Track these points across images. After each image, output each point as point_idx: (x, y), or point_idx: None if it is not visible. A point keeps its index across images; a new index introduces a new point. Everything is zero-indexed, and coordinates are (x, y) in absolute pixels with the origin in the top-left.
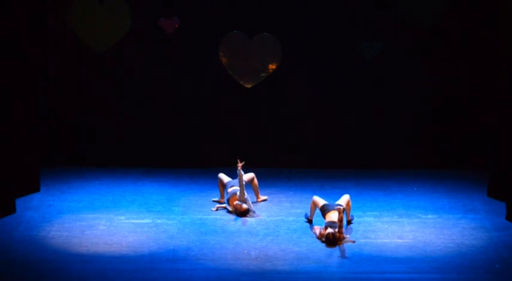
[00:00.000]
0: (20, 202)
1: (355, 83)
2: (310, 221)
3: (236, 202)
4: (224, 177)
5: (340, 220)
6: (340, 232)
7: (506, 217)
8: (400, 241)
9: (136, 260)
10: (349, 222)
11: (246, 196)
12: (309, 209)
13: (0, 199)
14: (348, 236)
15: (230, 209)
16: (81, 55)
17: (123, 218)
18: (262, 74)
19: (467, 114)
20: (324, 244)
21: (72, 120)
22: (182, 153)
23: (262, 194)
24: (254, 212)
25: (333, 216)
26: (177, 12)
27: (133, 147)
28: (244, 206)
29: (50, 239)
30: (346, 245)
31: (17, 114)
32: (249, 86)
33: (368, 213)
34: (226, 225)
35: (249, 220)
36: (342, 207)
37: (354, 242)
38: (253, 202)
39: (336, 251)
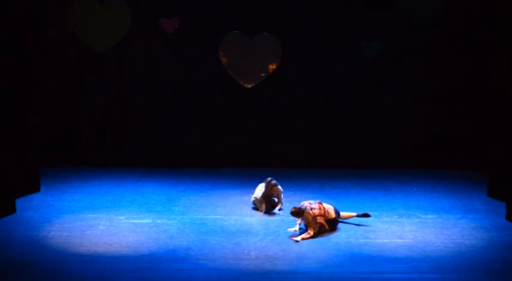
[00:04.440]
0: (20, 202)
1: (355, 83)
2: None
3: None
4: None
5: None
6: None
7: (506, 217)
8: (400, 241)
9: (136, 260)
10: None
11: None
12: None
13: (0, 199)
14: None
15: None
16: (81, 55)
17: (123, 218)
18: (262, 74)
19: (468, 114)
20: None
21: (72, 120)
22: (182, 153)
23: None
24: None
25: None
26: (177, 12)
27: (133, 147)
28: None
29: (50, 239)
30: (345, 245)
31: (17, 114)
32: (249, 86)
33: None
34: (226, 225)
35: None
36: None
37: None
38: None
39: (335, 250)
